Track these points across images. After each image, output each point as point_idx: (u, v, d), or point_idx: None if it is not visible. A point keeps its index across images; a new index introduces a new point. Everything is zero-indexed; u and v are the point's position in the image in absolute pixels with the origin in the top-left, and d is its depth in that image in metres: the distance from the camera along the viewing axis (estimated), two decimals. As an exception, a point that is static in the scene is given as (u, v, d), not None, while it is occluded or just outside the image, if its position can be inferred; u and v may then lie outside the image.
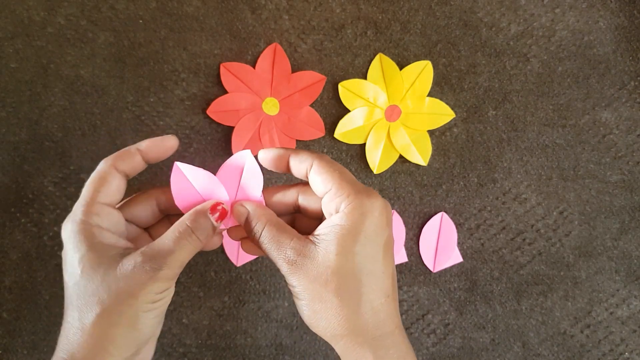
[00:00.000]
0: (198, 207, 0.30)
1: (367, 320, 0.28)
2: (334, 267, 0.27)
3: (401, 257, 0.51)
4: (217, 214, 0.30)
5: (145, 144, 0.30)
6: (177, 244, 0.28)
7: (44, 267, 0.48)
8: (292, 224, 0.34)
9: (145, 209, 0.32)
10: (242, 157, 0.31)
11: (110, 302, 0.26)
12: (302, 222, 0.33)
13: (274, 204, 0.32)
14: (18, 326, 0.48)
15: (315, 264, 0.28)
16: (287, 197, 0.32)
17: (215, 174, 0.31)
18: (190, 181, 0.31)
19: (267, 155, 0.31)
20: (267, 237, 0.29)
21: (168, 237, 0.28)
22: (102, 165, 0.30)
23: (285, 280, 0.29)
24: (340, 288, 0.27)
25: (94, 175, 0.30)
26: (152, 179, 0.47)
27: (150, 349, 0.31)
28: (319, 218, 0.31)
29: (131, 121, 0.48)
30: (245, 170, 0.31)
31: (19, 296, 0.48)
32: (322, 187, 0.29)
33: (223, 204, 0.30)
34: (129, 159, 0.30)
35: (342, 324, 0.28)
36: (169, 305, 0.50)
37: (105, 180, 0.29)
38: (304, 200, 0.31)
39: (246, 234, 0.31)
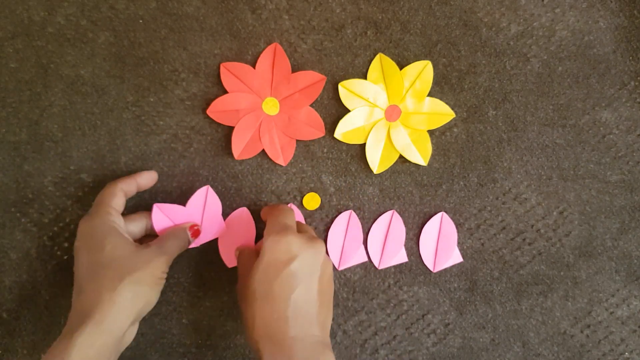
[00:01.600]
0: (183, 224, 0.45)
1: (259, 333, 0.37)
2: (247, 287, 0.39)
3: (401, 257, 0.51)
4: (190, 232, 0.44)
5: (141, 176, 0.44)
6: (170, 240, 0.42)
7: (44, 267, 0.48)
8: None
9: (137, 226, 0.44)
10: (204, 192, 0.46)
11: (135, 270, 0.37)
12: None
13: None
14: (18, 326, 0.48)
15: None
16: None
17: (185, 205, 0.45)
18: (166, 216, 0.45)
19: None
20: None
21: (164, 236, 0.43)
22: (110, 185, 0.42)
23: None
24: (246, 303, 0.39)
25: (104, 191, 0.42)
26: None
27: (133, 332, 0.40)
28: None
29: (131, 121, 0.48)
30: (208, 201, 0.46)
31: (19, 296, 0.48)
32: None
33: (198, 225, 0.45)
34: (130, 183, 0.43)
35: (247, 332, 0.39)
36: (169, 306, 0.50)
37: (114, 195, 0.41)
38: None
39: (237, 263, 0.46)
